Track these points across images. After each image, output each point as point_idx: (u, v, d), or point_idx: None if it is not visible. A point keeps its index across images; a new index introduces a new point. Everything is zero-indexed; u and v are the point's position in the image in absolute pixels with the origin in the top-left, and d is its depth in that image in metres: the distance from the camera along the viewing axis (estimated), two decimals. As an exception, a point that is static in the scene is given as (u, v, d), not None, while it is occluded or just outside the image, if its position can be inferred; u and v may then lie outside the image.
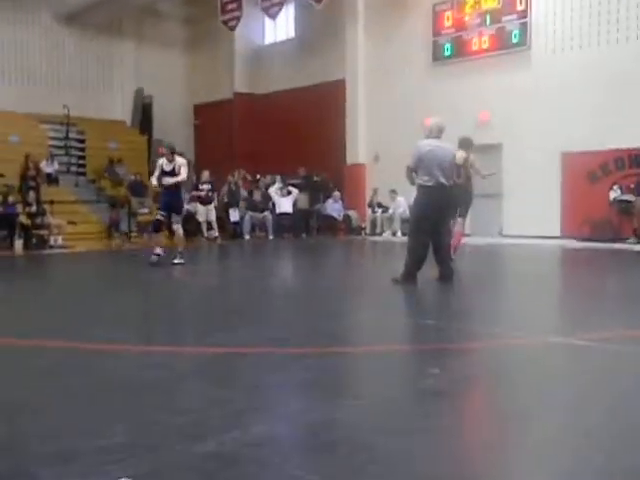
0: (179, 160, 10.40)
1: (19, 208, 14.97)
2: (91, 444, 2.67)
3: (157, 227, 10.63)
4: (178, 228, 10.60)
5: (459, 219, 9.99)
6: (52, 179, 18.24)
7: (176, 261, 10.21)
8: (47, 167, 18.21)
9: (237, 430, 2.78)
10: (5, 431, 2.91)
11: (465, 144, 9.73)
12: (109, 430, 2.83)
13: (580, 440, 2.78)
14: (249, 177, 18.84)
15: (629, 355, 4.25)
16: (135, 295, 7.95)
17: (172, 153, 10.40)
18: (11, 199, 14.96)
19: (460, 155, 8.92)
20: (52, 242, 14.66)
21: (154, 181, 10.60)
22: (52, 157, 18.65)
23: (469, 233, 16.45)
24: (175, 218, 10.63)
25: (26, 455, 2.61)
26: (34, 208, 14.92)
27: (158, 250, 10.20)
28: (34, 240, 14.54)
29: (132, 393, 3.53)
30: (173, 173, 10.22)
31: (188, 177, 11.44)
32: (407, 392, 3.57)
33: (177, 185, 10.40)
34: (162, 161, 10.45)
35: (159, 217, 10.55)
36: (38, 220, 14.79)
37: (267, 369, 3.96)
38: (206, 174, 17.87)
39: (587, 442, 2.75)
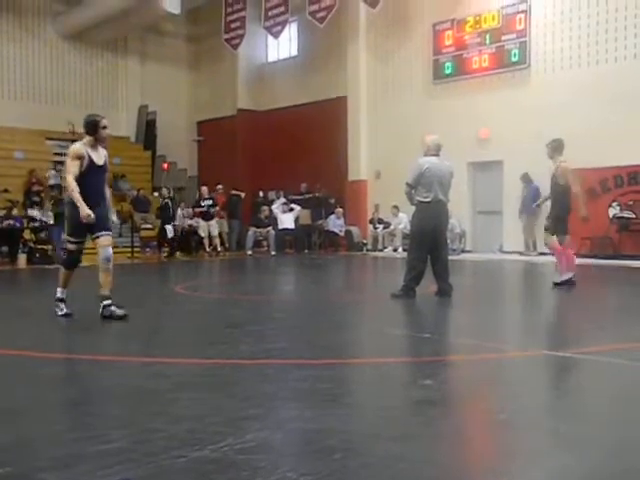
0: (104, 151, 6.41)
1: (23, 223, 15.12)
2: (92, 449, 2.76)
3: (74, 262, 6.52)
4: (109, 252, 6.32)
5: (554, 237, 8.90)
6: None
7: (119, 313, 6.30)
8: (53, 178, 18.25)
9: (232, 437, 2.86)
10: (10, 436, 3.00)
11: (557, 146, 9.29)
12: (109, 436, 2.92)
13: (570, 448, 2.85)
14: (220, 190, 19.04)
15: (619, 367, 4.33)
16: (135, 309, 8.01)
17: (95, 136, 6.20)
18: (15, 213, 15.11)
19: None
20: (56, 257, 14.77)
21: (75, 191, 6.02)
22: (57, 172, 18.79)
23: (470, 250, 16.58)
24: (104, 236, 6.34)
25: (31, 459, 2.70)
26: (38, 223, 15.06)
27: (61, 293, 6.54)
28: (37, 255, 14.65)
29: (132, 401, 3.62)
30: (106, 171, 6.45)
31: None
32: (401, 401, 3.65)
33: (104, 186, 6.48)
34: (85, 150, 6.16)
35: (75, 246, 6.44)
36: (42, 235, 14.92)
37: (264, 379, 4.04)
38: (205, 190, 18.07)
39: (577, 450, 2.82)
